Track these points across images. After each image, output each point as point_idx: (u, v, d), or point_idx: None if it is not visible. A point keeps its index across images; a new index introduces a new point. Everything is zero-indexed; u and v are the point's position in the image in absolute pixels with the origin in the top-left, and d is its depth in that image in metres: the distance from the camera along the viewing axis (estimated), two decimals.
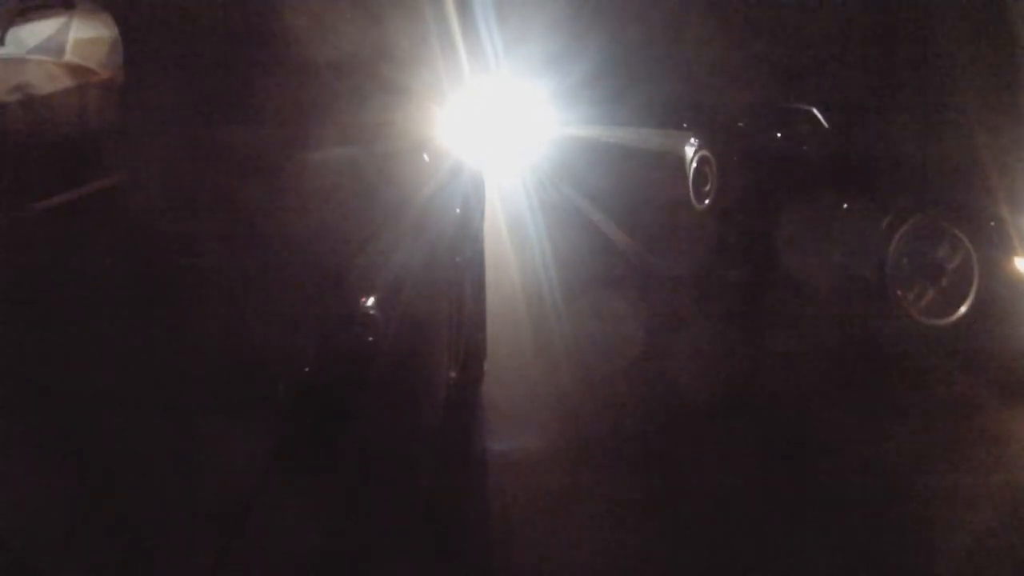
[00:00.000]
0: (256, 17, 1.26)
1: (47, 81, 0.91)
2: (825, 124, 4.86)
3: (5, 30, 0.91)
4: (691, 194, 6.87)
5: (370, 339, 0.91)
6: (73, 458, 0.62)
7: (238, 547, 0.69)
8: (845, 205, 4.17)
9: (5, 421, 0.61)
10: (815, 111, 5.00)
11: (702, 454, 2.28)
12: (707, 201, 6.53)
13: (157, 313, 0.71)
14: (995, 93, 5.16)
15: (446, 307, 2.15)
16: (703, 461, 2.24)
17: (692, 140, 7.05)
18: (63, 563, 0.59)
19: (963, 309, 3.26)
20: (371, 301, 0.95)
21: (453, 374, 2.38)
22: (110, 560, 0.61)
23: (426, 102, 2.33)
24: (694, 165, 6.82)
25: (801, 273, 4.26)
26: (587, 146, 13.90)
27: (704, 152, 6.66)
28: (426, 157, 2.01)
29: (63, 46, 0.92)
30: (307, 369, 0.81)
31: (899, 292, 3.58)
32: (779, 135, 5.53)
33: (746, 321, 3.69)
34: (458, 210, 2.25)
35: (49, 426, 0.62)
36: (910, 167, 4.11)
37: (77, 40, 0.93)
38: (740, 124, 6.59)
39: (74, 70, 0.93)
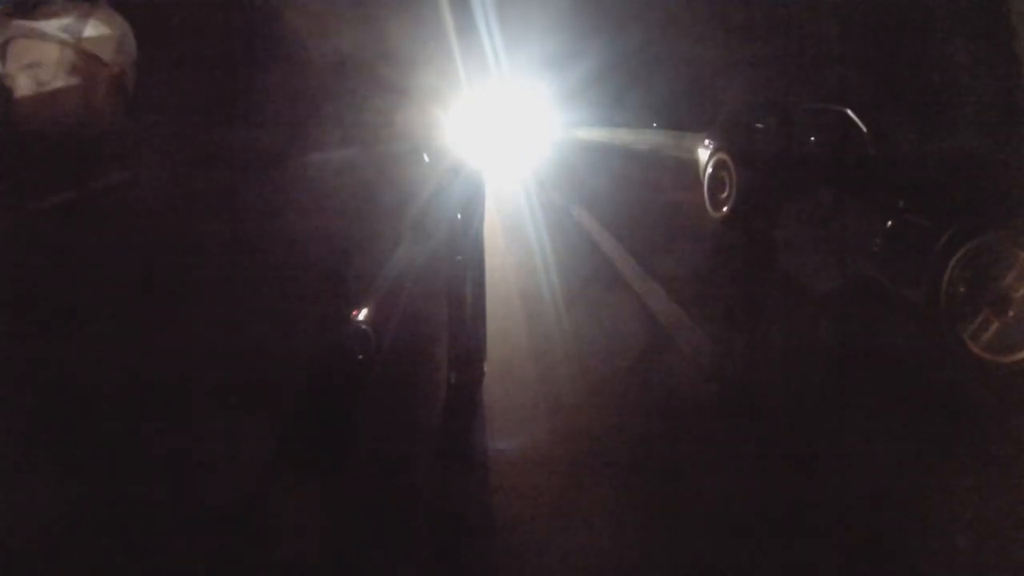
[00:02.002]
0: (258, 18, 1.26)
1: (60, 63, 0.92)
2: (862, 127, 4.27)
3: (34, 10, 0.92)
4: (706, 200, 6.33)
5: (360, 357, 0.91)
6: (73, 458, 0.62)
7: (238, 547, 0.69)
8: (889, 223, 3.64)
9: (5, 421, 0.61)
10: (849, 112, 4.41)
11: (702, 454, 2.28)
12: (725, 208, 5.98)
13: (158, 313, 0.71)
14: None
15: (446, 308, 2.16)
16: (703, 461, 2.24)
17: (706, 142, 6.48)
18: (63, 563, 0.59)
19: None
20: (363, 315, 0.94)
21: (453, 374, 2.38)
22: (110, 560, 0.61)
23: (426, 103, 2.33)
24: (709, 170, 6.28)
25: (829, 290, 3.96)
26: (590, 148, 13.88)
27: (721, 155, 6.11)
28: (426, 158, 2.01)
29: (81, 31, 0.93)
30: (305, 373, 0.81)
31: (955, 322, 3.13)
32: (812, 138, 4.91)
33: (750, 326, 3.69)
34: (458, 211, 2.25)
35: (49, 426, 0.63)
36: (972, 178, 3.53)
37: (93, 30, 0.94)
38: (759, 125, 5.95)
39: (87, 57, 0.94)
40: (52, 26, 0.92)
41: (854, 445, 2.35)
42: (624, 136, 13.64)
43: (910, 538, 1.87)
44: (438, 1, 2.56)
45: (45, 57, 0.91)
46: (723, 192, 6.04)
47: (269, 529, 0.73)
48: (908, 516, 1.97)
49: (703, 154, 6.47)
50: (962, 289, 3.13)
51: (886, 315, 3.73)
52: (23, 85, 0.90)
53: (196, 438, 0.69)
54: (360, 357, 0.91)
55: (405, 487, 1.30)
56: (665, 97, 12.92)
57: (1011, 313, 2.97)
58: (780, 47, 10.37)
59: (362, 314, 0.94)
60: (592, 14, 15.93)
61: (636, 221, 6.61)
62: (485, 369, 2.73)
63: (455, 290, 2.28)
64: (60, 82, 0.92)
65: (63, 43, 0.92)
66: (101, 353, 0.66)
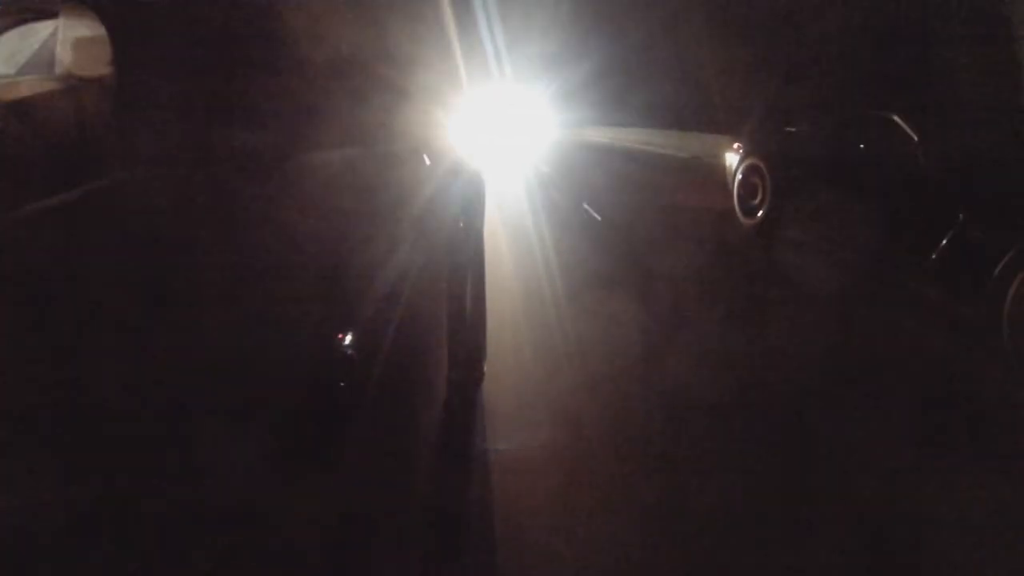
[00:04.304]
0: (256, 18, 1.26)
1: (42, 95, 0.92)
2: (913, 135, 4.00)
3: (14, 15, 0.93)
4: (736, 207, 5.98)
5: (342, 384, 0.89)
6: (74, 459, 0.62)
7: (238, 547, 0.70)
8: (947, 236, 3.46)
9: (6, 421, 0.61)
10: (896, 118, 4.16)
11: (702, 454, 2.28)
12: (759, 214, 5.64)
13: (156, 313, 0.71)
14: None
15: (446, 308, 2.16)
16: (703, 461, 2.24)
17: (735, 146, 6.13)
18: (63, 563, 0.60)
19: None
20: (349, 338, 0.92)
21: (453, 374, 2.39)
22: (112, 560, 0.61)
23: (427, 104, 2.33)
24: (739, 176, 5.94)
25: (878, 307, 3.87)
26: (592, 147, 13.81)
27: (753, 160, 5.76)
28: (426, 159, 2.01)
29: (52, 58, 0.93)
30: (295, 388, 0.80)
31: (1019, 342, 2.95)
32: (861, 145, 4.60)
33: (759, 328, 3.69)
34: (459, 211, 2.26)
35: (50, 427, 0.63)
36: None
37: (65, 46, 0.94)
38: (791, 129, 5.65)
39: (66, 79, 0.94)
40: (22, 61, 0.92)
41: (854, 444, 2.35)
42: (626, 135, 13.57)
43: (910, 537, 1.87)
44: (438, 1, 2.56)
45: (27, 93, 0.91)
46: (755, 199, 5.75)
47: (269, 529, 0.74)
48: (908, 516, 1.97)
49: (731, 158, 6.15)
50: None
51: (899, 320, 3.72)
52: (12, 120, 0.90)
53: (198, 438, 0.69)
54: (343, 384, 0.89)
55: (405, 487, 1.30)
56: (668, 96, 12.79)
57: None
58: (794, 46, 10.15)
59: (348, 337, 0.91)
60: (594, 12, 15.79)
61: (638, 221, 6.60)
62: (485, 369, 2.73)
63: (455, 290, 2.28)
64: (47, 106, 0.92)
65: (39, 79, 0.92)
66: (100, 353, 0.67)
